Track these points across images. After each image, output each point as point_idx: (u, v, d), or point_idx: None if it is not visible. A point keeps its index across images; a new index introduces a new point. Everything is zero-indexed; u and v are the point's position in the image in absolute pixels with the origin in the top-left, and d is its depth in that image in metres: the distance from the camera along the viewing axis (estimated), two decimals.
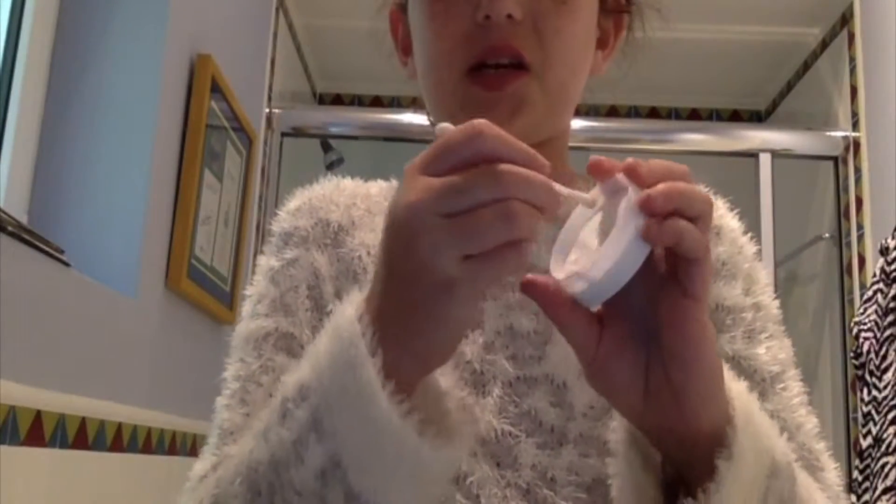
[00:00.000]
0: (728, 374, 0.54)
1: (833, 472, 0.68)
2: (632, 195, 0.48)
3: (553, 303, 0.50)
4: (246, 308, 0.72)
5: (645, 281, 0.49)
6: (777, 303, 0.73)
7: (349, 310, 0.51)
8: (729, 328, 0.69)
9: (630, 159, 0.49)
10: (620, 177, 0.49)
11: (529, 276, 0.50)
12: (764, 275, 0.74)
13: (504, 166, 0.46)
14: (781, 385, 0.69)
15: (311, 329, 0.69)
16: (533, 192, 0.46)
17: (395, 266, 0.49)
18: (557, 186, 0.48)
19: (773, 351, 0.70)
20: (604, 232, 0.51)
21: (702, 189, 0.51)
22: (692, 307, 0.49)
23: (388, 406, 0.48)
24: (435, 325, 0.49)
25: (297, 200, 0.76)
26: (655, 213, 0.47)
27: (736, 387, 0.54)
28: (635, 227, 0.47)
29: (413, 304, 0.49)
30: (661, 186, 0.47)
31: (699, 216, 0.48)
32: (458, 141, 0.47)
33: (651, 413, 0.51)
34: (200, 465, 0.65)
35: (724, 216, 0.75)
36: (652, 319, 0.50)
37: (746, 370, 0.68)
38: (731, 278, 0.71)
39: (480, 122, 0.48)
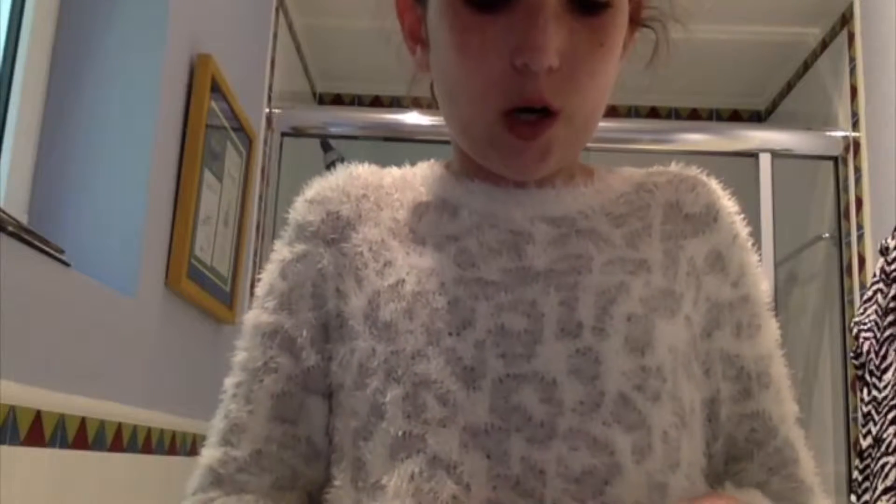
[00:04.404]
0: None
1: (807, 461, 0.74)
2: None
3: None
4: (258, 293, 0.76)
5: None
6: (765, 284, 0.76)
7: None
8: (720, 325, 0.73)
9: None
10: None
11: None
12: (754, 259, 0.76)
13: None
14: (766, 379, 0.74)
15: (310, 331, 0.73)
16: None
17: None
18: None
19: (759, 345, 0.74)
20: None
21: None
22: None
23: None
24: None
25: (313, 190, 0.78)
26: None
27: None
28: None
29: None
30: None
31: None
32: None
33: None
34: (207, 452, 0.72)
35: (721, 198, 0.77)
36: None
37: (735, 367, 0.73)
38: (723, 272, 0.74)
39: None
